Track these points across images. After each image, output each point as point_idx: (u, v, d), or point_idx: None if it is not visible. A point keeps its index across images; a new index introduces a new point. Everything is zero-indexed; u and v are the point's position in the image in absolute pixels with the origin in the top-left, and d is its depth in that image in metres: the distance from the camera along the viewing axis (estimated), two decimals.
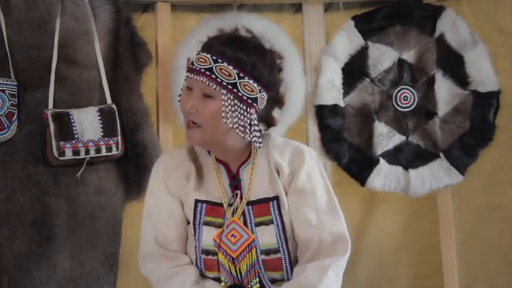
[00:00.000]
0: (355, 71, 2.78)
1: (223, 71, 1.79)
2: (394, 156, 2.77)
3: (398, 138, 2.79)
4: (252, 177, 1.89)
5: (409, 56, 2.79)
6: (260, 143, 1.86)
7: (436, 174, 2.76)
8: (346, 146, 2.76)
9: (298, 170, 1.88)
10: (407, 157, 2.78)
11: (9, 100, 2.36)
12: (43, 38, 2.43)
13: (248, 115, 1.82)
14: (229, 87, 1.79)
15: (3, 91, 2.35)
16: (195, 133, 1.82)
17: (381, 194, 2.81)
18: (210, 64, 1.79)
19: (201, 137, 1.82)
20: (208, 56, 1.80)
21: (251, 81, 1.81)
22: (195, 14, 2.78)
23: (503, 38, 2.85)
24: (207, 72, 1.78)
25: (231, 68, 1.79)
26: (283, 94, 2.71)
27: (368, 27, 2.79)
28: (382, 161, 2.75)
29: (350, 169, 2.77)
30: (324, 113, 2.74)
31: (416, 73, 2.80)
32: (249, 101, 1.82)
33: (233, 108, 1.80)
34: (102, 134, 2.44)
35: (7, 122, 2.36)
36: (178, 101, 1.87)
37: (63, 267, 2.41)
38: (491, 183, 2.87)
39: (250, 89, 1.82)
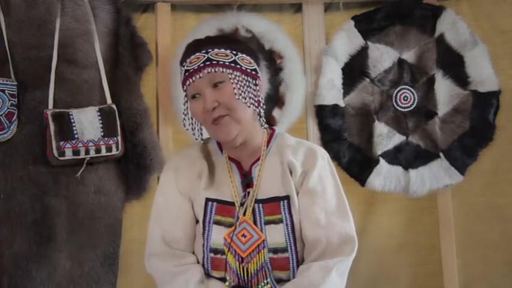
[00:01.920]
0: (355, 71, 2.78)
1: (220, 54, 1.83)
2: (394, 156, 2.78)
3: (398, 138, 2.79)
4: (261, 175, 1.90)
5: (409, 56, 2.79)
6: (264, 121, 1.92)
7: (436, 174, 2.76)
8: (346, 146, 2.76)
9: (310, 170, 1.89)
10: (407, 157, 2.78)
11: (9, 100, 2.36)
12: (43, 38, 2.43)
13: (257, 88, 1.89)
14: (232, 65, 1.83)
15: (3, 91, 2.35)
16: (229, 125, 1.83)
17: (381, 194, 2.81)
18: (205, 56, 1.83)
19: (236, 126, 1.84)
20: (197, 53, 1.85)
21: (244, 55, 1.87)
22: (195, 14, 2.78)
23: (503, 38, 2.85)
24: (207, 62, 1.82)
25: (223, 50, 1.84)
26: (283, 94, 2.71)
27: (368, 27, 2.79)
28: (382, 161, 2.75)
29: (350, 169, 2.77)
30: (324, 113, 2.74)
31: (416, 73, 2.80)
32: (253, 72, 1.88)
33: (243, 83, 1.84)
34: (102, 134, 2.43)
35: (7, 122, 2.36)
36: (183, 120, 1.91)
37: (63, 267, 2.41)
38: (491, 183, 2.87)
39: (248, 61, 1.88)
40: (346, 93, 2.78)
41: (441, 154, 2.77)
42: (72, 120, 2.40)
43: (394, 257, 2.89)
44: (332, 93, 2.74)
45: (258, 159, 1.92)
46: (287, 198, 1.88)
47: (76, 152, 2.40)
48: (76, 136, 2.40)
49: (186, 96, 1.89)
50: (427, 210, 2.89)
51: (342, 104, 2.76)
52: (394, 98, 2.79)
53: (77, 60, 2.47)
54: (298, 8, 2.84)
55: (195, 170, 1.94)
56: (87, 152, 2.41)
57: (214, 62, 1.81)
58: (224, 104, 1.82)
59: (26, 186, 2.39)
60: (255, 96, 1.87)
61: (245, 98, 1.83)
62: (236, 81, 1.82)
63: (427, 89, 2.80)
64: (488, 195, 2.87)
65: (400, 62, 2.79)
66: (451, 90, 2.78)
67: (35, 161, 2.40)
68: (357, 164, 2.76)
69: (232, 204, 1.89)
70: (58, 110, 2.40)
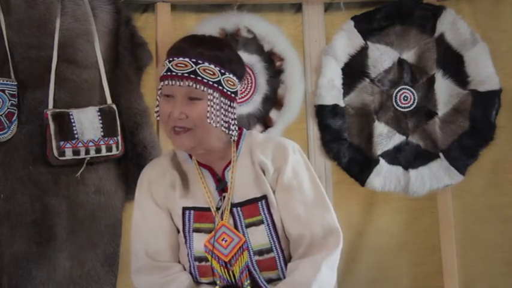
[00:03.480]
0: (355, 71, 2.78)
1: (207, 71, 1.79)
2: (394, 156, 2.77)
3: (398, 138, 2.79)
4: (234, 178, 1.88)
5: (409, 56, 2.79)
6: (236, 136, 1.88)
7: (436, 174, 2.76)
8: (346, 146, 2.75)
9: (282, 166, 1.87)
10: (407, 157, 2.78)
11: (9, 100, 2.36)
12: (43, 38, 2.43)
13: (231, 109, 1.85)
14: (215, 85, 1.80)
15: (3, 91, 2.35)
16: (186, 138, 1.81)
17: (381, 194, 2.81)
18: (192, 67, 1.78)
19: (193, 141, 1.82)
20: (187, 59, 1.79)
21: (231, 75, 1.84)
22: (195, 14, 2.77)
23: (502, 37, 2.85)
24: (192, 76, 1.78)
25: (212, 66, 1.80)
26: (282, 95, 2.71)
27: (368, 27, 2.78)
28: (382, 161, 2.75)
29: (350, 169, 2.77)
30: (324, 113, 2.74)
31: (416, 73, 2.80)
32: (232, 95, 1.84)
33: (218, 106, 1.81)
34: (102, 134, 2.43)
35: (7, 122, 2.36)
36: (156, 111, 1.86)
37: (63, 267, 2.41)
38: (491, 183, 2.87)
39: (232, 83, 1.84)
40: (346, 93, 2.77)
41: (441, 154, 2.77)
42: (72, 120, 2.40)
43: (394, 257, 2.89)
44: (332, 93, 2.74)
45: (230, 163, 1.90)
46: (264, 198, 1.86)
47: (76, 152, 2.40)
48: (76, 136, 2.40)
49: (160, 89, 1.86)
50: (427, 210, 2.88)
51: (342, 104, 2.76)
52: (394, 98, 2.79)
53: (77, 60, 2.47)
54: (298, 8, 2.84)
55: (168, 181, 1.93)
56: (87, 152, 2.41)
57: (199, 78, 1.78)
58: (191, 119, 1.79)
59: (26, 186, 2.39)
60: (226, 117, 1.83)
61: (214, 121, 1.80)
62: (212, 104, 1.79)
63: (427, 89, 2.80)
64: (488, 195, 2.88)
65: (400, 62, 2.79)
66: (451, 90, 2.78)
67: (35, 161, 2.40)
68: (357, 164, 2.76)
69: (209, 210, 1.87)
70: (58, 110, 2.40)
